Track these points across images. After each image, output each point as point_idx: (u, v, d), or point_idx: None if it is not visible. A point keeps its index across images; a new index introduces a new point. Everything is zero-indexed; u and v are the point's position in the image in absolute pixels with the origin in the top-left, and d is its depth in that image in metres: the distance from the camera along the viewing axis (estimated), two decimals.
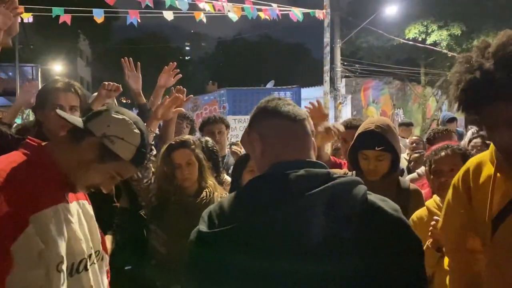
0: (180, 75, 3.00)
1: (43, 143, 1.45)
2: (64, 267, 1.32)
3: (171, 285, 2.18)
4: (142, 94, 2.86)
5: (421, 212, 2.21)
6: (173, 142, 2.45)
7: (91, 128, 1.42)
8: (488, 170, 1.36)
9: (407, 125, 7.06)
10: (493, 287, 1.33)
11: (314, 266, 0.98)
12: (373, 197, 1.08)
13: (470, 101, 1.21)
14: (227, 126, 3.81)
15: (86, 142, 1.40)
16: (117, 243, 2.33)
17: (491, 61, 1.16)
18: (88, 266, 1.44)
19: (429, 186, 2.41)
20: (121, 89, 2.67)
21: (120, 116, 1.45)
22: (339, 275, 0.99)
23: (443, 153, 2.20)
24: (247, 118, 3.15)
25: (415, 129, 15.50)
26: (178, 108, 2.63)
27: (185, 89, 2.80)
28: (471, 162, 1.47)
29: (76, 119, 1.50)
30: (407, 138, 6.12)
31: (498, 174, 1.31)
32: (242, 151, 4.15)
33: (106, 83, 2.65)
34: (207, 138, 3.12)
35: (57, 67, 22.23)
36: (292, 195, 1.02)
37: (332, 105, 13.79)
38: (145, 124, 2.41)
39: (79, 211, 1.48)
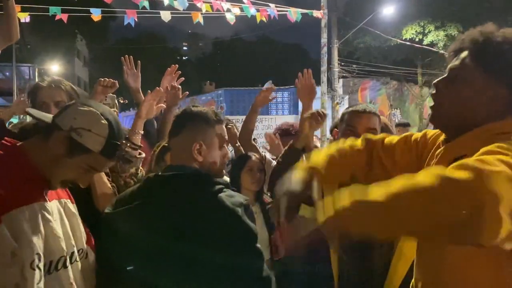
0: (183, 78, 3.00)
1: (19, 143, 1.45)
2: (40, 264, 1.32)
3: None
4: (141, 92, 2.85)
5: None
6: (167, 145, 2.45)
7: (58, 122, 1.41)
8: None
9: (404, 126, 7.05)
10: None
11: (168, 247, 1.35)
12: (225, 193, 1.39)
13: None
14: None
15: (54, 137, 1.40)
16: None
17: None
18: (68, 264, 1.44)
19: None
20: (117, 85, 2.66)
21: (87, 108, 1.43)
22: (184, 258, 1.33)
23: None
24: (244, 118, 3.16)
25: (412, 129, 15.55)
26: (160, 105, 2.63)
27: (179, 86, 2.81)
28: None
29: (45, 115, 1.50)
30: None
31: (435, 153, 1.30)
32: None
33: (102, 79, 2.64)
34: None
35: (54, 67, 22.20)
36: (157, 190, 1.46)
37: (329, 105, 13.82)
38: (132, 124, 2.43)
39: (60, 210, 1.48)
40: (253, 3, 8.57)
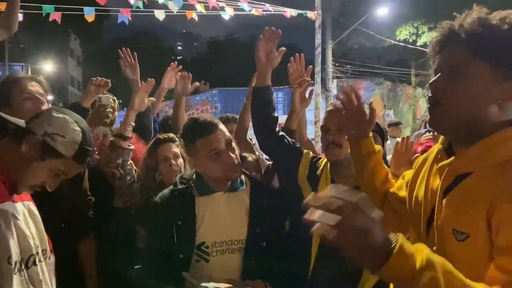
0: (188, 74, 3.02)
1: None
2: (13, 261, 1.37)
3: None
4: (140, 85, 2.84)
5: None
6: (161, 137, 2.46)
7: (32, 127, 1.47)
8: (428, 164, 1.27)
9: (396, 125, 7.23)
10: None
11: None
12: None
13: (431, 51, 1.19)
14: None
15: (27, 141, 1.44)
16: (108, 245, 2.31)
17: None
18: (37, 262, 1.49)
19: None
20: (110, 84, 2.64)
21: (61, 115, 1.50)
22: None
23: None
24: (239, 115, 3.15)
25: (406, 129, 15.62)
26: (151, 98, 2.64)
27: (189, 74, 2.86)
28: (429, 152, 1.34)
29: (18, 120, 1.53)
30: (399, 137, 6.17)
31: (435, 166, 1.20)
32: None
33: (94, 78, 2.62)
34: None
35: (48, 67, 22.08)
36: None
37: (323, 106, 13.83)
38: (125, 115, 2.43)
39: (24, 211, 1.51)
40: (249, 3, 8.57)
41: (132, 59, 2.81)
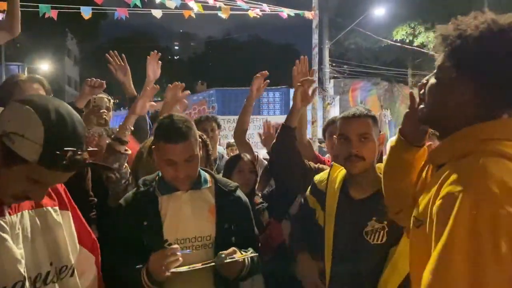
0: (181, 84, 2.92)
1: None
2: None
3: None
4: (132, 86, 2.83)
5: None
6: None
7: None
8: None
9: None
10: None
11: None
12: None
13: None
14: (219, 126, 3.80)
15: None
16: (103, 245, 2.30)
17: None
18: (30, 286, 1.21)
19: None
20: (105, 85, 2.64)
21: (25, 107, 1.13)
22: None
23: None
24: (236, 118, 3.16)
25: None
26: (152, 103, 2.63)
27: (182, 84, 2.76)
28: None
29: None
30: None
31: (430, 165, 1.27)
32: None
33: (89, 79, 2.61)
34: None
35: (44, 66, 22.01)
36: None
37: (320, 105, 13.86)
38: (125, 119, 2.41)
39: (35, 221, 1.27)
40: (246, 3, 8.57)
41: (121, 61, 2.80)
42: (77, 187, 2.18)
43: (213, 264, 1.67)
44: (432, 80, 1.19)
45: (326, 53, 14.55)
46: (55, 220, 1.32)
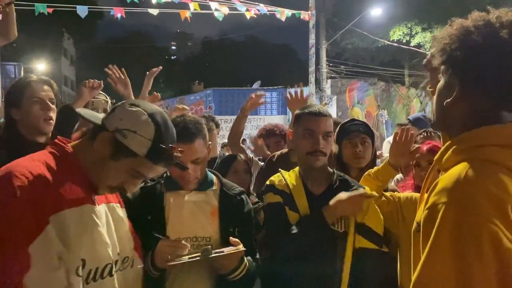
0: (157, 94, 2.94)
1: (69, 143, 1.41)
2: (82, 271, 1.27)
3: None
4: (133, 98, 2.83)
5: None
6: None
7: (106, 123, 1.35)
8: None
9: (401, 126, 7.06)
10: None
11: None
12: None
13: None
14: (217, 125, 3.78)
15: (100, 138, 1.34)
16: None
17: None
18: (114, 272, 1.37)
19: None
20: (102, 85, 2.63)
21: (135, 109, 1.35)
22: None
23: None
24: (233, 118, 3.17)
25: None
26: None
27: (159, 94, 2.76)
28: None
29: (95, 116, 1.44)
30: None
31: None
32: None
33: (87, 81, 2.60)
34: None
35: (41, 66, 21.94)
36: None
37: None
38: None
39: (108, 214, 1.42)
40: (242, 3, 8.57)
41: (121, 75, 2.79)
42: None
43: (198, 258, 1.66)
44: (439, 84, 1.18)
45: (323, 53, 14.56)
46: (119, 215, 1.49)
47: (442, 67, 1.14)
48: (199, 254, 1.67)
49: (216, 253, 1.68)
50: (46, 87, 2.17)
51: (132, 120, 1.33)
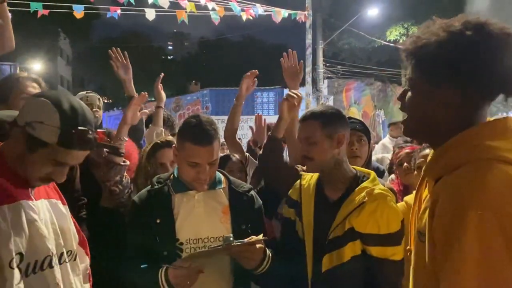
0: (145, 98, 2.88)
1: None
2: (21, 264, 1.31)
3: None
4: (132, 86, 2.81)
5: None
6: (159, 142, 2.46)
7: (17, 119, 1.38)
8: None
9: (396, 124, 7.07)
10: None
11: None
12: None
13: None
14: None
15: (14, 135, 1.39)
16: (103, 245, 2.29)
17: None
18: (55, 264, 1.42)
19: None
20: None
21: (40, 99, 1.36)
22: None
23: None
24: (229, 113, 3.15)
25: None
26: (144, 111, 2.63)
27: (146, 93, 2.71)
28: None
29: (11, 115, 1.49)
30: (400, 136, 6.07)
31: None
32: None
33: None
34: None
35: (37, 66, 21.86)
36: None
37: (314, 106, 13.88)
38: (117, 130, 2.41)
39: (49, 209, 1.47)
40: (239, 3, 8.56)
41: (124, 59, 2.80)
42: (66, 187, 2.19)
43: (221, 247, 1.66)
44: (409, 94, 1.17)
45: (320, 54, 14.58)
46: (62, 211, 1.54)
47: (413, 75, 1.13)
48: (221, 244, 1.66)
49: (237, 242, 1.67)
50: (35, 84, 2.18)
51: (37, 111, 1.34)
